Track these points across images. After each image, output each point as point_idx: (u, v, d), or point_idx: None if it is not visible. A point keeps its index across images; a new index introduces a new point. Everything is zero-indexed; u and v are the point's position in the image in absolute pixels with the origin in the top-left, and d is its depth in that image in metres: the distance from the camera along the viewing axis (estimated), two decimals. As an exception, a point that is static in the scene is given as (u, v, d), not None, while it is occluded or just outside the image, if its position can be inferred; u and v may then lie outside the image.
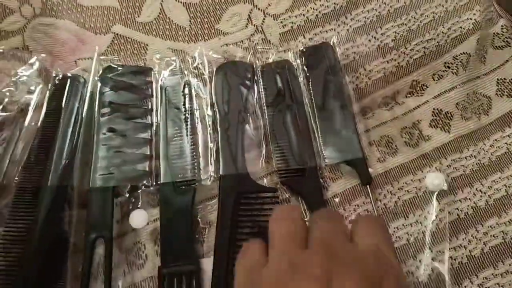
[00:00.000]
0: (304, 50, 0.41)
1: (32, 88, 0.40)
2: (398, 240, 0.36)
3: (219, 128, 0.38)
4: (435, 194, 0.37)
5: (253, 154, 0.38)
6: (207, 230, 0.36)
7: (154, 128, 0.39)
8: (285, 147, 0.38)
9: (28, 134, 0.38)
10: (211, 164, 0.38)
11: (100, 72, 0.40)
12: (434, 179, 0.37)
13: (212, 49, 0.42)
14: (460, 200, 0.37)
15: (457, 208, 0.37)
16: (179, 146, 0.37)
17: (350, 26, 0.44)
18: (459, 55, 0.42)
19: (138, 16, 0.43)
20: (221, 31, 0.43)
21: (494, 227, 0.36)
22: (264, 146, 0.39)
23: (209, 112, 0.39)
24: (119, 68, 0.40)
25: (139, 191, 0.37)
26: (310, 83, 0.40)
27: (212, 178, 0.37)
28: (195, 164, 0.37)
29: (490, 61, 0.42)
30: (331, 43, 0.42)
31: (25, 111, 0.39)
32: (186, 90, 0.40)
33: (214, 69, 0.41)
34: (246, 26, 0.43)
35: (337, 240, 0.23)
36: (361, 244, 0.23)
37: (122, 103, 0.39)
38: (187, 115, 0.39)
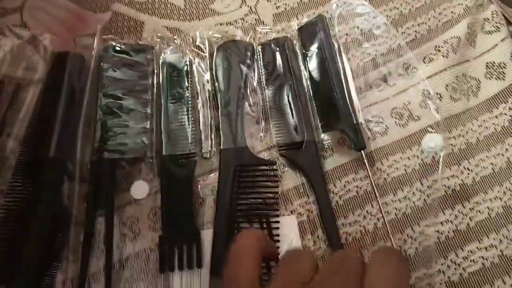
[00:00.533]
0: (300, 27, 0.43)
1: (33, 64, 0.41)
2: (388, 215, 0.37)
3: (219, 104, 0.39)
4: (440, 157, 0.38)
5: (252, 129, 0.39)
6: (206, 202, 0.37)
7: (154, 103, 0.39)
8: (284, 122, 0.39)
9: (29, 109, 0.39)
10: (211, 138, 0.39)
11: (102, 49, 0.41)
12: (429, 142, 0.37)
13: (213, 29, 0.43)
14: (447, 178, 0.38)
15: (444, 185, 0.38)
16: (180, 120, 0.38)
17: (343, 8, 0.45)
18: (450, 38, 0.43)
19: (135, -5, 0.44)
20: (216, 10, 0.44)
21: (480, 203, 0.37)
22: (263, 121, 0.40)
23: (210, 88, 0.40)
24: (121, 46, 0.41)
25: (140, 164, 0.38)
26: (306, 58, 0.41)
27: (212, 152, 0.38)
28: (195, 138, 0.38)
29: (480, 45, 0.44)
30: (326, 16, 0.43)
31: (26, 87, 0.40)
32: (187, 68, 0.40)
33: (215, 48, 0.41)
34: (240, 7, 0.44)
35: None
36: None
37: (123, 79, 0.39)
38: (187, 91, 0.39)
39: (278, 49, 0.42)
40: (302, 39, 0.42)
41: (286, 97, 0.40)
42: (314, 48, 0.41)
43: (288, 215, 0.37)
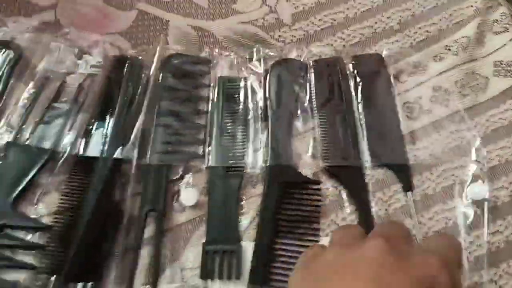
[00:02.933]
0: (356, 56, 0.46)
1: (94, 66, 0.44)
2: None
3: (270, 121, 0.42)
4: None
5: (300, 148, 0.42)
6: (249, 215, 0.39)
7: (209, 115, 0.43)
8: (333, 144, 0.41)
9: (88, 108, 0.42)
10: (259, 153, 0.41)
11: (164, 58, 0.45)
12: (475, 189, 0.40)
13: (269, 48, 0.46)
14: (456, 167, 0.41)
15: (453, 174, 0.41)
16: (232, 134, 0.42)
17: (358, 9, 0.48)
18: (460, 38, 0.47)
19: (161, -5, 0.49)
20: (237, 10, 0.48)
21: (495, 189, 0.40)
22: (312, 141, 0.42)
23: (261, 105, 0.43)
24: (181, 56, 0.45)
25: (190, 173, 0.41)
26: (359, 86, 0.44)
27: (259, 167, 0.41)
28: (245, 152, 0.41)
29: (489, 45, 0.47)
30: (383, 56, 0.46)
31: (86, 87, 0.43)
32: (242, 83, 0.44)
33: (269, 66, 0.45)
34: (261, 7, 0.48)
35: (396, 236, 0.24)
36: (424, 246, 0.25)
37: (181, 89, 0.43)
38: (241, 107, 0.43)
39: (329, 70, 0.44)
40: (358, 67, 0.45)
41: (336, 119, 0.42)
42: (367, 74, 0.44)
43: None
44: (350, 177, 0.41)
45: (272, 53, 0.46)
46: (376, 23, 0.48)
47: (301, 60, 0.46)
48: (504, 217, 0.39)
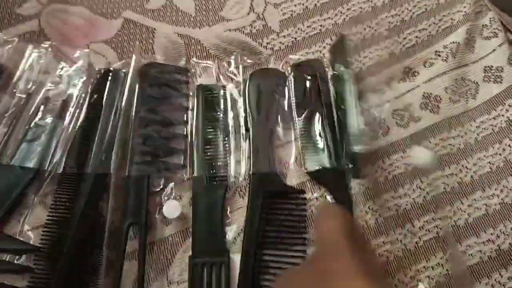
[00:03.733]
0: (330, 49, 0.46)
1: (76, 81, 0.44)
2: (388, 211, 0.40)
3: (251, 129, 0.41)
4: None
5: (282, 154, 0.42)
6: (235, 226, 0.39)
7: (189, 125, 0.42)
8: (314, 148, 0.41)
9: (72, 125, 0.42)
10: (242, 162, 0.41)
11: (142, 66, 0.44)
12: (419, 154, 0.41)
13: (250, 53, 0.46)
14: (447, 176, 0.41)
15: (444, 183, 0.41)
16: (214, 144, 0.41)
17: (346, 15, 0.48)
18: (449, 44, 0.47)
19: (147, 3, 0.48)
20: (224, 17, 0.48)
21: (478, 200, 0.40)
22: (293, 147, 0.42)
23: (242, 114, 0.43)
24: (158, 65, 0.44)
25: (171, 183, 0.40)
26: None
27: (242, 176, 0.41)
28: (228, 161, 0.41)
29: (478, 50, 0.47)
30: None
31: (68, 103, 0.43)
32: (221, 92, 0.44)
33: (248, 74, 0.44)
34: (248, 14, 0.48)
35: None
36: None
37: (160, 98, 0.42)
38: (221, 115, 0.42)
39: (309, 75, 0.44)
40: (332, 61, 0.45)
41: (316, 124, 0.42)
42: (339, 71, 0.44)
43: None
44: (331, 179, 0.40)
45: (250, 61, 0.46)
46: (365, 29, 0.48)
47: (280, 68, 0.45)
48: (495, 226, 0.39)
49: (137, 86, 0.43)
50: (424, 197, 0.40)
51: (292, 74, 0.45)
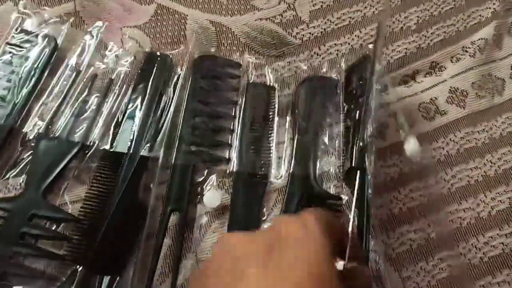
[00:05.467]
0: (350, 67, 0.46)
1: (123, 62, 0.46)
2: (413, 200, 0.41)
3: (297, 133, 0.42)
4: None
5: (324, 161, 0.42)
6: (269, 224, 0.40)
7: (237, 120, 0.43)
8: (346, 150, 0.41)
9: (116, 104, 0.43)
10: (284, 163, 0.42)
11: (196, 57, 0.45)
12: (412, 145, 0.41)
13: (279, 43, 0.47)
14: (471, 169, 0.42)
15: (468, 175, 0.42)
16: (258, 141, 0.42)
17: (376, 8, 0.49)
18: (477, 40, 0.48)
19: (180, -10, 0.50)
20: (255, 6, 0.49)
21: (501, 193, 0.41)
22: (337, 155, 0.43)
23: (289, 116, 0.44)
24: (212, 58, 0.45)
25: (214, 175, 0.42)
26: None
27: (282, 176, 0.42)
28: (270, 160, 0.42)
29: (506, 47, 0.48)
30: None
31: (115, 82, 0.44)
32: (271, 92, 0.45)
33: (301, 79, 0.46)
34: (279, 3, 0.49)
35: None
36: None
37: (211, 91, 0.44)
38: (268, 115, 0.44)
39: (359, 79, 0.43)
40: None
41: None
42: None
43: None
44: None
45: (304, 67, 0.47)
46: (393, 22, 0.49)
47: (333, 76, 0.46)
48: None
49: (190, 77, 0.44)
50: (449, 189, 0.41)
51: (343, 80, 0.45)
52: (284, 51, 0.47)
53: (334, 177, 0.42)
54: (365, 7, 0.49)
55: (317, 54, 0.47)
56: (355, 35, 0.48)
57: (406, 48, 0.48)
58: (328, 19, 0.49)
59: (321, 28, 0.48)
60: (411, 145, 0.40)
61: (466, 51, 0.48)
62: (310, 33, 0.48)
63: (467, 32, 0.49)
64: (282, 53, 0.47)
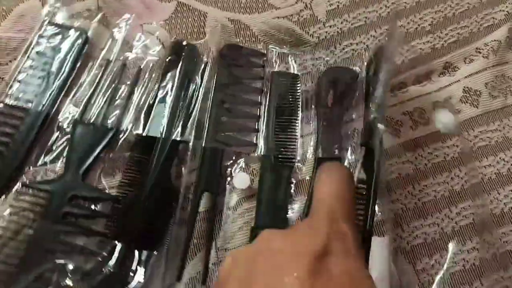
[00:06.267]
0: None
1: (152, 51, 0.48)
2: (426, 196, 0.42)
3: (320, 120, 0.44)
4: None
5: (346, 143, 0.44)
6: (297, 205, 0.42)
7: (263, 106, 0.45)
8: None
9: (147, 91, 0.45)
10: (310, 148, 0.44)
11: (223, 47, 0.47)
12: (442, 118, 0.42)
13: (296, 41, 0.49)
14: (484, 166, 0.43)
15: (481, 173, 0.43)
16: (284, 127, 0.44)
17: (390, 9, 0.51)
18: (490, 42, 0.49)
19: (199, -12, 0.51)
20: (273, 5, 0.50)
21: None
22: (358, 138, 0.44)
23: (313, 102, 0.46)
24: (238, 47, 0.48)
25: (242, 158, 0.44)
26: None
27: (308, 160, 0.44)
28: (296, 145, 0.44)
29: (519, 49, 0.49)
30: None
31: (145, 70, 0.46)
32: (295, 81, 0.46)
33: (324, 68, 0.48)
34: (296, 2, 0.50)
35: None
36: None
37: (238, 78, 0.46)
38: (292, 101, 0.45)
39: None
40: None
41: None
42: None
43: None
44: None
45: (327, 58, 0.49)
46: (408, 23, 0.50)
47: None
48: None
49: (218, 65, 0.46)
50: (462, 186, 0.43)
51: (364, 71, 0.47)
52: (301, 50, 0.49)
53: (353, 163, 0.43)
54: (381, 8, 0.51)
55: (333, 53, 0.49)
56: (371, 35, 0.49)
57: (420, 49, 0.49)
58: (344, 19, 0.50)
59: (337, 28, 0.50)
60: (442, 116, 0.42)
61: (480, 52, 0.49)
62: (326, 32, 0.49)
63: (480, 34, 0.50)
64: (299, 51, 0.49)
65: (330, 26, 0.50)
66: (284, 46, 0.49)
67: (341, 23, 0.50)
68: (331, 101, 0.45)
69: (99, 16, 0.49)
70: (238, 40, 0.49)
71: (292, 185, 0.43)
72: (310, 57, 0.49)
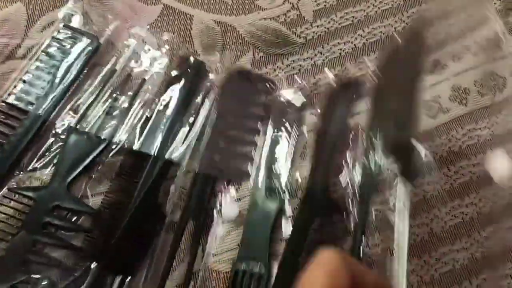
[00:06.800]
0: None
1: (158, 64, 0.47)
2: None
3: (314, 153, 0.43)
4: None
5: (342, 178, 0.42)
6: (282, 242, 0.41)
7: (262, 134, 0.44)
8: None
9: (146, 105, 0.44)
10: (302, 180, 0.43)
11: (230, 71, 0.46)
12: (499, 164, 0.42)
13: (283, 42, 0.48)
14: (473, 164, 0.43)
15: (470, 171, 0.43)
16: (280, 158, 0.43)
17: (378, 8, 0.51)
18: (479, 39, 0.49)
19: (185, -10, 0.51)
20: (260, 6, 0.50)
21: (503, 189, 0.42)
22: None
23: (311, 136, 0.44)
24: (246, 72, 0.46)
25: (234, 187, 0.42)
26: None
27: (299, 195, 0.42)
28: (289, 178, 0.42)
29: (507, 46, 0.49)
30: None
31: (148, 83, 0.45)
32: (301, 105, 0.45)
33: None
34: (283, 3, 0.50)
35: None
36: None
37: (240, 103, 0.45)
38: (292, 133, 0.44)
39: None
40: None
41: None
42: None
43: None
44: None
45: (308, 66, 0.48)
46: (396, 22, 0.50)
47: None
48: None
49: (223, 89, 0.45)
50: (451, 184, 0.43)
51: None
52: (288, 50, 0.49)
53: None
54: (368, 7, 0.50)
55: (321, 53, 0.49)
56: (358, 34, 0.49)
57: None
58: (331, 19, 0.50)
59: (325, 28, 0.50)
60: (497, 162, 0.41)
61: (468, 50, 0.49)
62: (313, 32, 0.49)
63: (469, 31, 0.50)
64: (286, 52, 0.49)
65: (318, 26, 0.50)
66: (270, 49, 0.48)
67: (329, 22, 0.50)
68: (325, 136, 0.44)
69: (113, 25, 0.48)
70: (225, 42, 0.49)
71: (283, 218, 0.41)
72: (298, 58, 0.48)
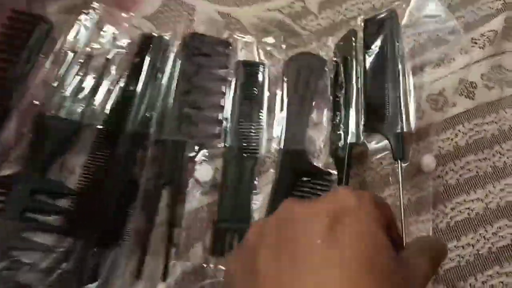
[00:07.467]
0: (367, 20, 0.47)
1: (120, 43, 0.47)
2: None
3: (286, 107, 0.44)
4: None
5: (312, 133, 0.44)
6: (261, 198, 0.42)
7: (226, 97, 0.45)
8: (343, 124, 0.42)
9: (113, 84, 0.45)
10: (274, 139, 0.44)
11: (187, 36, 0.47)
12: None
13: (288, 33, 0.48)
14: (480, 160, 0.43)
15: (476, 166, 0.43)
16: (248, 117, 0.44)
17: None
18: (486, 32, 0.48)
19: (188, -20, 0.50)
20: (264, -3, 0.50)
21: (509, 184, 0.42)
22: (327, 127, 0.44)
23: (279, 92, 0.46)
24: (201, 36, 0.47)
25: (205, 150, 0.43)
26: (366, 54, 0.45)
27: (273, 151, 0.43)
28: (260, 136, 0.43)
29: (515, 39, 0.48)
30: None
31: (112, 63, 0.46)
32: (261, 69, 0.46)
33: (289, 55, 0.47)
34: (288, -6, 0.50)
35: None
36: None
37: (202, 67, 0.45)
38: (258, 91, 0.45)
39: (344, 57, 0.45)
40: (367, 34, 0.46)
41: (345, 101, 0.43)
42: (377, 44, 0.45)
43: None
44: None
45: (293, 43, 0.47)
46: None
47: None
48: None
49: (181, 54, 0.45)
50: (457, 179, 0.42)
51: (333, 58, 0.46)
52: (293, 42, 0.48)
53: (321, 152, 0.43)
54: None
55: (326, 45, 0.48)
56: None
57: (415, 40, 0.48)
58: (337, 10, 0.49)
59: (330, 19, 0.49)
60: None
61: (476, 43, 0.48)
62: (318, 24, 0.49)
63: (476, 24, 0.49)
64: (290, 45, 0.48)
65: (323, 18, 0.49)
66: (275, 42, 0.48)
67: (334, 14, 0.49)
68: (297, 88, 0.45)
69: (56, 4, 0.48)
70: (229, 33, 0.48)
71: (256, 177, 0.42)
72: (302, 50, 0.48)
